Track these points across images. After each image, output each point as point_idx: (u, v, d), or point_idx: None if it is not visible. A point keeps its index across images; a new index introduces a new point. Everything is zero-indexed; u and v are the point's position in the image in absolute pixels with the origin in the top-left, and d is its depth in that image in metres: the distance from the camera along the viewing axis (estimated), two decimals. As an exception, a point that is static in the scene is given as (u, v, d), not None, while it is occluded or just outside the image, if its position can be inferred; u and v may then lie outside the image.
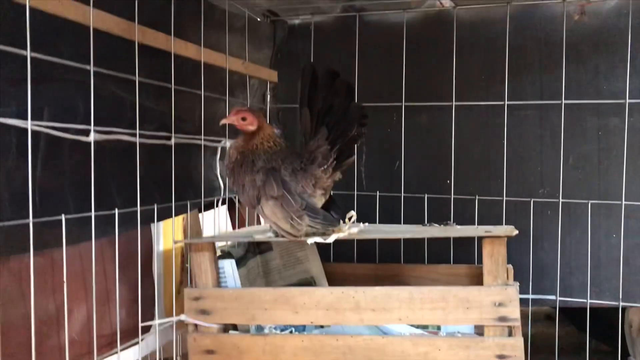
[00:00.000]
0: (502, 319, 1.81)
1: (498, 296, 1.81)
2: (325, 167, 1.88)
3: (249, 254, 2.43)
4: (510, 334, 1.82)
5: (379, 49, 2.70)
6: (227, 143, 2.39)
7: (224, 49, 2.35)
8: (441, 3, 2.55)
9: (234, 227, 2.63)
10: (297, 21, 2.80)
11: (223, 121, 1.94)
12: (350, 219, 2.00)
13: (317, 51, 2.73)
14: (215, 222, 2.37)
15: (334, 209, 1.99)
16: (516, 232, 1.86)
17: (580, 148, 2.47)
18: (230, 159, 1.98)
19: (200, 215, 2.31)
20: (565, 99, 2.43)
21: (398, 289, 1.88)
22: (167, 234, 2.25)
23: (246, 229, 2.48)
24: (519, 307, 1.82)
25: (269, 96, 2.77)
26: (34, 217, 1.44)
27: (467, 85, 2.58)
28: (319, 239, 1.88)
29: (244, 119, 1.94)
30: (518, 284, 1.85)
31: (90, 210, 1.64)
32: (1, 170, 1.40)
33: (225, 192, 2.40)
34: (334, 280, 2.48)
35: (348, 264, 2.57)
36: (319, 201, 1.94)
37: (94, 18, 1.64)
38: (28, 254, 1.45)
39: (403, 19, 2.61)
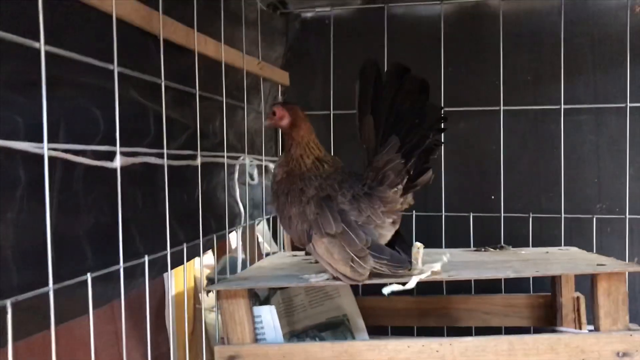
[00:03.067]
0: (625, 371, 1.49)
1: (620, 344, 1.48)
2: (399, 187, 1.49)
3: (271, 290, 2.03)
4: (633, 390, 1.51)
5: (406, 46, 2.34)
6: (247, 159, 1.98)
7: (238, 46, 1.93)
8: (486, -7, 2.24)
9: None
10: (309, 14, 2.41)
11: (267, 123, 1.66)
12: (418, 249, 1.62)
13: (334, 49, 2.35)
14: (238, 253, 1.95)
15: (400, 244, 1.61)
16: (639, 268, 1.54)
17: (642, 157, 2.21)
18: (274, 178, 1.58)
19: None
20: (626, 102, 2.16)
21: (494, 339, 1.52)
22: (178, 277, 1.82)
23: (272, 261, 2.05)
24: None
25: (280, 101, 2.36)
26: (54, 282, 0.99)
27: (512, 88, 2.27)
28: (397, 287, 1.50)
29: (274, 113, 1.63)
30: (643, 328, 1.53)
31: (116, 262, 1.20)
32: (5, 222, 0.94)
33: (246, 219, 1.98)
34: (368, 316, 2.11)
35: (383, 298, 2.15)
36: (388, 233, 1.56)
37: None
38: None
39: (439, 11, 2.27)
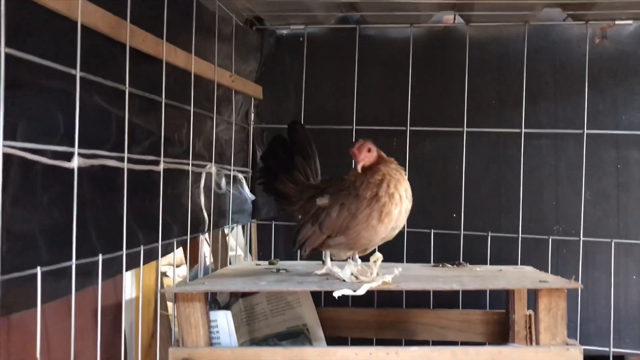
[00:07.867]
0: (562, 384, 1.55)
1: (558, 358, 1.54)
2: None
3: (232, 298, 2.07)
4: (569, 402, 1.56)
5: (376, 66, 2.42)
6: (213, 168, 2.03)
7: (211, 58, 1.99)
8: (454, 19, 2.32)
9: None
10: (285, 31, 2.48)
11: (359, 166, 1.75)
12: (375, 262, 1.70)
13: (307, 66, 2.43)
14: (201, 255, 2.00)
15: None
16: (581, 285, 1.60)
17: (598, 182, 2.29)
18: None
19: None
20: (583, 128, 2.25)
21: (438, 349, 1.58)
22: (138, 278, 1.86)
23: (235, 268, 2.10)
24: (582, 371, 1.56)
25: (252, 114, 2.42)
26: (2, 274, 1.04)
27: (476, 110, 2.35)
28: (347, 292, 1.56)
29: (369, 150, 1.75)
30: (579, 346, 1.59)
31: (69, 259, 1.25)
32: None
33: (210, 227, 2.02)
34: (328, 327, 2.17)
35: (344, 309, 2.25)
36: None
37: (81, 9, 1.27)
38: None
39: (408, 34, 2.35)
